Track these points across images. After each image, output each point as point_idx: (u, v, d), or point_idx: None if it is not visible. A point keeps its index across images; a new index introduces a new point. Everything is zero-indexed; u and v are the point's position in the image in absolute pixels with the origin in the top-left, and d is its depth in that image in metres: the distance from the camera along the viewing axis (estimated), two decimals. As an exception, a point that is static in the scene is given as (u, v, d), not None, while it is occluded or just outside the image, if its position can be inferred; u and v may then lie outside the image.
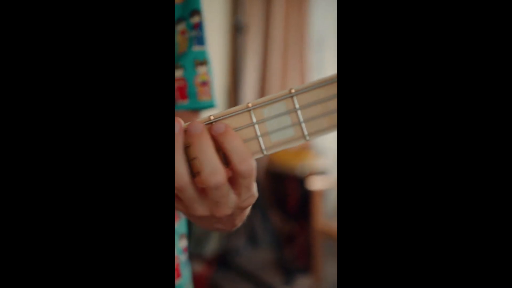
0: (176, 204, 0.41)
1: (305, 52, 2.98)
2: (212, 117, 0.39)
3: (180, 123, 0.38)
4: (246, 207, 0.41)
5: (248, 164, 0.37)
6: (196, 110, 0.67)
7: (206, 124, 0.39)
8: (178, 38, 0.65)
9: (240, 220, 0.45)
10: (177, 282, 0.62)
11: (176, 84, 0.65)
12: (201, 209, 0.40)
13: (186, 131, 0.38)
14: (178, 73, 0.65)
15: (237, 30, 2.67)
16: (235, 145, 0.37)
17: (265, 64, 3.02)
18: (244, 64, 2.83)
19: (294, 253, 2.62)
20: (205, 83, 0.66)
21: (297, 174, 2.68)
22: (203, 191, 0.39)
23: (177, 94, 0.65)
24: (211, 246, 2.51)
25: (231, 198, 0.39)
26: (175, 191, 0.39)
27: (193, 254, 2.37)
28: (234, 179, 0.39)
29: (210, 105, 0.67)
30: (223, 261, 2.45)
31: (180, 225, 0.66)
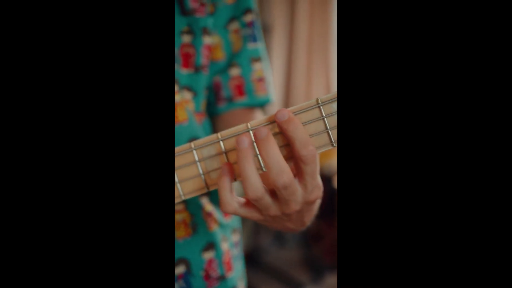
0: (249, 211, 0.44)
1: (330, 52, 2.98)
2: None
3: (249, 138, 0.40)
4: (314, 200, 0.43)
5: (310, 149, 0.39)
6: (253, 106, 0.69)
7: (272, 123, 0.42)
8: (231, 37, 0.67)
9: (309, 217, 0.47)
10: (229, 275, 0.64)
11: (234, 82, 0.66)
12: (273, 210, 0.42)
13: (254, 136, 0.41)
14: (235, 72, 0.67)
15: (262, 30, 2.69)
16: (298, 132, 0.39)
17: (290, 64, 3.04)
18: (269, 64, 2.85)
19: (322, 251, 2.62)
20: (261, 79, 0.68)
21: (324, 173, 2.68)
22: (274, 193, 0.42)
23: (235, 91, 0.67)
24: (239, 244, 2.52)
25: (299, 192, 0.41)
26: (252, 201, 0.41)
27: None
28: (298, 169, 0.41)
29: (267, 101, 0.69)
30: (251, 259, 2.47)
31: (233, 220, 0.68)
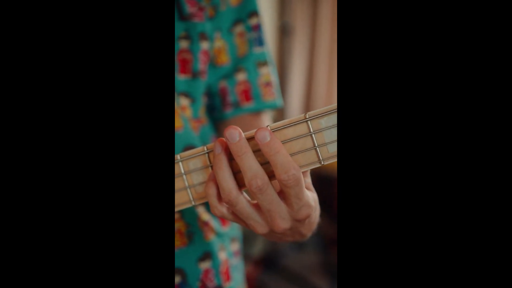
0: (235, 217, 0.43)
1: (352, 54, 2.94)
2: (269, 128, 0.40)
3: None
4: (303, 219, 0.41)
5: (292, 174, 0.37)
6: (260, 111, 0.68)
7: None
8: (236, 40, 0.66)
9: (308, 230, 0.46)
10: (227, 285, 0.63)
11: (241, 87, 0.66)
12: (259, 226, 0.41)
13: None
14: (242, 76, 0.66)
15: (283, 33, 2.68)
16: (278, 156, 0.38)
17: (311, 67, 3.01)
18: (290, 67, 2.83)
19: (341, 257, 2.58)
20: (268, 84, 0.67)
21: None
22: (256, 205, 0.41)
23: (242, 96, 0.66)
24: (258, 247, 2.52)
25: (283, 208, 0.40)
26: (228, 205, 0.40)
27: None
28: (282, 190, 0.40)
29: (275, 105, 0.68)
30: (269, 262, 2.46)
31: (231, 228, 0.67)
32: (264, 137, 0.38)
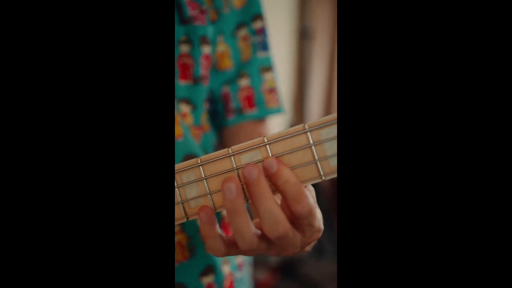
0: (239, 252, 0.39)
1: (374, 58, 2.89)
2: (265, 139, 0.37)
3: (237, 182, 0.35)
4: (314, 241, 0.39)
5: (305, 204, 0.34)
6: (264, 118, 0.66)
7: (259, 147, 0.37)
8: (239, 44, 0.63)
9: (310, 247, 0.44)
10: None
11: (243, 93, 0.63)
12: (270, 253, 0.39)
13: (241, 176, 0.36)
14: (245, 82, 0.64)
15: (303, 36, 2.65)
16: (288, 186, 0.34)
17: (332, 71, 2.97)
18: (310, 71, 2.80)
19: (361, 266, 2.53)
20: (272, 90, 0.65)
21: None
22: (266, 238, 0.37)
23: (245, 103, 0.63)
24: (276, 254, 2.48)
25: (297, 239, 0.37)
26: (245, 253, 0.37)
27: (258, 261, 2.36)
28: (294, 219, 0.36)
29: (278, 111, 0.66)
30: (288, 270, 2.42)
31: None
32: (271, 166, 0.34)
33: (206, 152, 0.60)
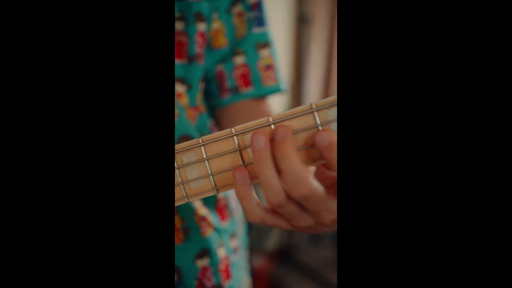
0: (277, 219, 0.38)
1: (372, 43, 2.87)
2: (270, 119, 0.35)
3: (265, 136, 0.34)
4: (327, 224, 0.37)
5: (304, 189, 0.33)
6: (261, 97, 0.63)
7: (263, 126, 0.35)
8: (234, 21, 0.60)
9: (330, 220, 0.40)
10: (227, 284, 0.59)
11: (239, 71, 0.61)
12: (304, 222, 0.36)
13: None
14: (240, 59, 0.61)
15: (301, 21, 2.62)
16: (292, 167, 0.33)
17: (330, 56, 2.94)
18: (308, 56, 2.77)
19: (358, 252, 2.54)
20: (269, 67, 0.62)
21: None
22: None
23: (240, 81, 0.61)
24: (272, 240, 2.49)
25: (331, 205, 0.35)
26: (275, 208, 0.35)
27: (254, 248, 2.37)
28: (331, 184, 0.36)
29: (277, 90, 0.62)
30: (284, 256, 2.43)
31: (231, 224, 0.63)
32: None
33: (202, 134, 0.58)
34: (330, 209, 0.35)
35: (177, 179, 0.38)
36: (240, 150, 0.36)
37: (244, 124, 0.36)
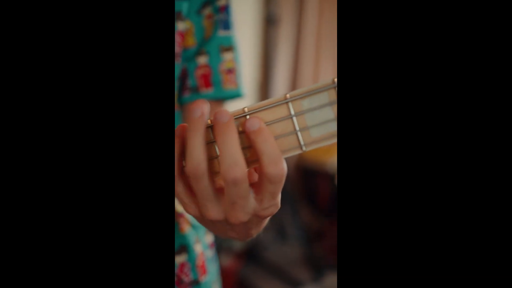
0: (187, 206, 0.37)
1: (338, 45, 2.92)
2: (246, 109, 0.36)
3: (204, 106, 0.34)
4: (266, 217, 0.37)
5: (279, 168, 0.34)
6: (220, 99, 0.63)
7: (238, 118, 0.36)
8: (204, 23, 0.61)
9: (256, 230, 0.41)
10: (203, 279, 0.60)
11: (200, 71, 0.61)
12: (215, 211, 0.36)
13: (212, 122, 0.35)
14: (203, 60, 0.61)
15: (269, 22, 2.64)
16: (268, 146, 0.34)
17: (297, 57, 2.97)
18: (275, 56, 2.79)
19: (324, 250, 2.58)
20: (230, 71, 0.62)
21: (327, 170, 2.64)
22: (220, 190, 0.36)
23: (201, 81, 0.61)
24: (240, 240, 2.49)
25: (251, 203, 0.35)
26: (190, 181, 0.35)
27: (221, 247, 2.37)
28: (260, 183, 0.35)
29: (236, 95, 0.63)
30: (251, 255, 2.44)
31: None
32: (253, 124, 0.34)
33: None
34: (246, 209, 0.35)
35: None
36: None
37: (302, 88, 0.35)
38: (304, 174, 2.85)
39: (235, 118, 0.36)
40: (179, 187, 0.37)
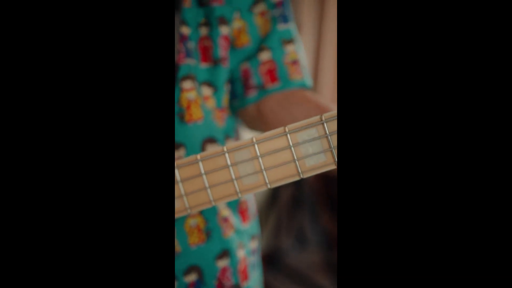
0: None
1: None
2: (254, 139, 0.41)
3: None
4: None
5: None
6: (288, 90, 0.62)
7: (247, 147, 0.41)
8: (257, 19, 0.61)
9: None
10: (245, 284, 0.61)
11: (265, 68, 0.61)
12: None
13: None
14: (265, 56, 0.61)
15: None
16: None
17: (317, 66, 3.00)
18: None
19: (344, 256, 2.56)
20: (295, 62, 0.62)
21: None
22: None
23: (266, 77, 0.61)
24: (260, 244, 2.50)
25: None
26: None
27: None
28: None
29: (303, 85, 0.63)
30: (272, 261, 2.45)
31: (251, 226, 0.65)
32: None
33: (228, 136, 0.60)
34: None
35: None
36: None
37: (298, 123, 0.40)
38: (324, 179, 2.85)
39: (245, 147, 0.41)
40: None
